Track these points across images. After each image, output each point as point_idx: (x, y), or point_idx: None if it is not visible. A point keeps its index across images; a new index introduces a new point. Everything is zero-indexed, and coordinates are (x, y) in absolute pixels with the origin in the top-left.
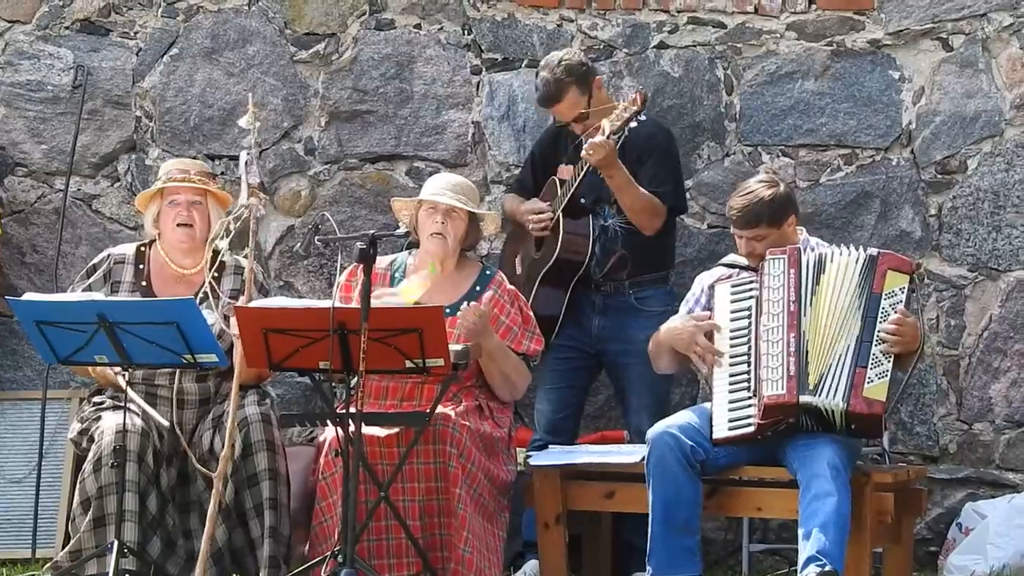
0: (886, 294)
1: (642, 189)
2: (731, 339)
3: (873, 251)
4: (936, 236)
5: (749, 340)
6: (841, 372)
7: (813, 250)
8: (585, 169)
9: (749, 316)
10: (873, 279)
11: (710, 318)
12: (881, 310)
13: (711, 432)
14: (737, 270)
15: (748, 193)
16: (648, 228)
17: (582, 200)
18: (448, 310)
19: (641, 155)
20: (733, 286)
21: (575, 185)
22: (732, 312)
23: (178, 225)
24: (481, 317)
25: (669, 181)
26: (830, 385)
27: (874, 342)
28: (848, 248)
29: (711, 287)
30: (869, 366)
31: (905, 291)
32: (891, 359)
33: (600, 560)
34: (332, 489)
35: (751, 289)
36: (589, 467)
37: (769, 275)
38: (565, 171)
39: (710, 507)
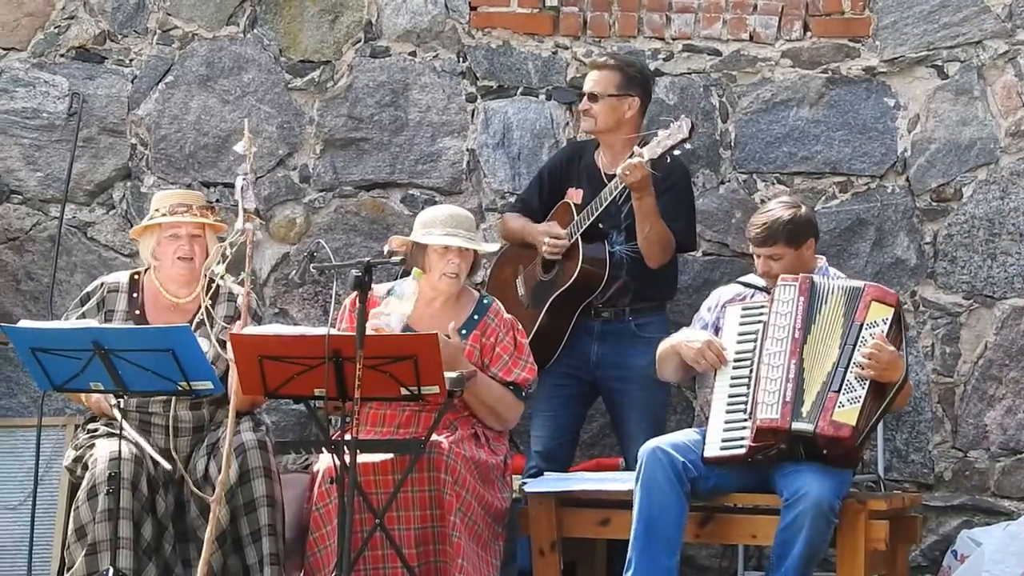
0: (867, 324)
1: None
2: (735, 361)
3: (859, 283)
4: (931, 264)
5: (752, 363)
6: (819, 398)
7: (829, 280)
8: (614, 193)
9: (755, 340)
10: (856, 309)
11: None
12: (860, 339)
13: (703, 451)
14: (752, 291)
15: (768, 212)
16: (656, 261)
17: (600, 225)
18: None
19: (657, 189)
20: (744, 309)
21: (600, 209)
22: (739, 335)
23: (179, 259)
24: (451, 348)
25: (682, 218)
26: (807, 411)
27: (849, 368)
28: (848, 280)
29: (723, 307)
30: (842, 391)
31: (888, 322)
32: (865, 386)
33: None
34: (326, 520)
35: (761, 313)
36: (584, 494)
37: (779, 300)
38: (573, 194)
39: (704, 534)
